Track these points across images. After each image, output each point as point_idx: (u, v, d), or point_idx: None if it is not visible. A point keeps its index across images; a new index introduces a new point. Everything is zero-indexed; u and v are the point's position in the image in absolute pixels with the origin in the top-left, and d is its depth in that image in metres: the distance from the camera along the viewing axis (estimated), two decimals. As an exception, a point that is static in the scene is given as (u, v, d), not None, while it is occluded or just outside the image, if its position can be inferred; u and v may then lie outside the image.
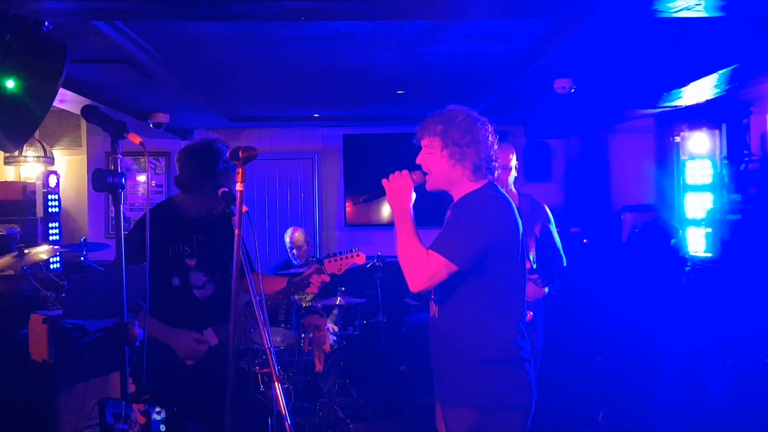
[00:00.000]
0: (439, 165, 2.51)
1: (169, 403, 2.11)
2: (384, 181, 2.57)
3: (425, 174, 2.56)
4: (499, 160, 3.49)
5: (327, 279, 3.14)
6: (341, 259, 3.20)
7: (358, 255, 3.22)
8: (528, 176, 7.02)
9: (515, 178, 3.89)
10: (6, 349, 4.14)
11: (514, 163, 3.84)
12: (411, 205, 2.54)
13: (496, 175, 2.57)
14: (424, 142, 2.56)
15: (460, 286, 2.45)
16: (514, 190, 3.89)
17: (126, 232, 2.72)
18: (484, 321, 2.44)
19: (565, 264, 3.85)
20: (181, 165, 2.98)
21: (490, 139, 2.52)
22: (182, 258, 2.98)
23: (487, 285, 2.44)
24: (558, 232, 3.94)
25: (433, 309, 2.59)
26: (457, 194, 2.57)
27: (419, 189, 2.58)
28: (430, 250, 2.41)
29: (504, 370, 2.44)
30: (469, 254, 2.38)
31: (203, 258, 3.03)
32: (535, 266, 3.74)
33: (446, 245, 2.40)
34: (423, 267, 2.39)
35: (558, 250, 3.87)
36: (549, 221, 3.89)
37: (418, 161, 2.57)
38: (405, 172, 2.55)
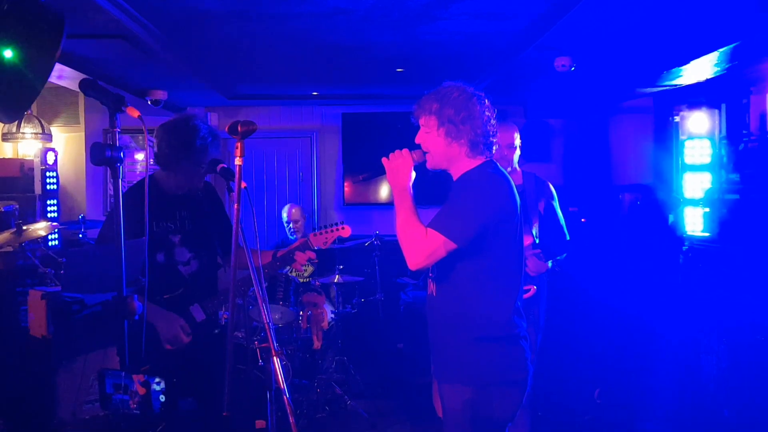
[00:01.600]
0: (437, 143, 2.51)
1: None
2: (384, 160, 2.57)
3: (425, 153, 2.55)
4: (503, 139, 3.52)
5: (313, 255, 3.14)
6: (326, 232, 3.23)
7: (343, 228, 3.24)
8: (527, 156, 6.99)
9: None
10: (5, 324, 4.15)
11: (518, 141, 3.85)
12: (410, 183, 2.53)
13: (494, 150, 2.56)
14: (421, 121, 2.55)
15: (458, 264, 2.45)
16: (518, 168, 3.91)
17: (110, 210, 2.74)
18: (481, 298, 2.45)
19: (568, 238, 3.90)
20: (158, 141, 2.96)
21: (486, 114, 2.49)
22: (167, 234, 2.98)
23: (485, 263, 2.45)
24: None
25: (431, 287, 2.60)
26: (455, 172, 2.56)
27: (419, 168, 2.58)
28: (429, 228, 2.42)
29: (500, 348, 2.45)
30: (468, 232, 2.39)
31: (187, 234, 3.04)
32: (537, 241, 3.77)
33: (445, 223, 2.40)
34: (422, 245, 2.40)
35: (562, 226, 3.93)
36: (553, 198, 3.94)
37: (416, 140, 2.57)
38: (405, 150, 2.55)
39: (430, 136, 2.52)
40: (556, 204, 3.95)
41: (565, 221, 3.98)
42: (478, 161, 2.52)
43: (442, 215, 2.44)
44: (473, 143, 2.48)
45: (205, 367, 2.96)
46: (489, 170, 2.51)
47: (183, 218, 3.04)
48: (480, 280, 2.45)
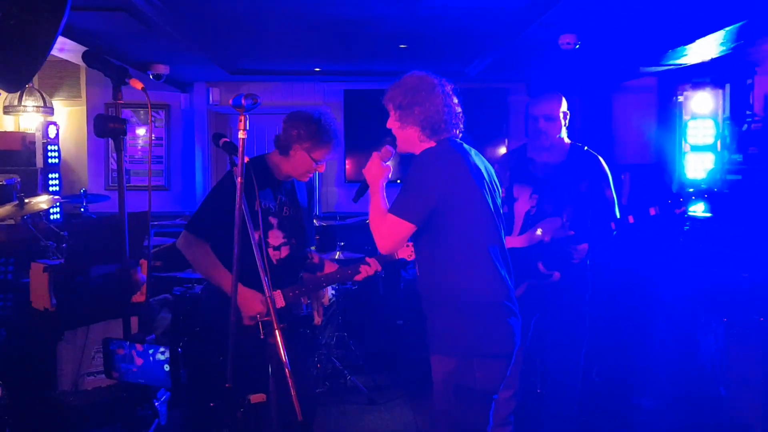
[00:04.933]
0: (395, 129, 2.67)
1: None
2: (364, 171, 2.70)
3: (392, 147, 2.69)
4: (539, 110, 3.50)
5: (376, 268, 3.25)
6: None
7: None
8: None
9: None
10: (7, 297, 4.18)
11: (561, 111, 3.55)
12: (383, 179, 2.66)
13: (458, 132, 2.64)
14: (388, 109, 2.69)
15: (426, 242, 2.55)
16: (567, 140, 3.64)
17: (211, 199, 2.87)
18: (453, 271, 2.51)
19: (618, 216, 3.56)
20: (288, 126, 3.05)
21: (440, 97, 2.58)
22: (266, 215, 3.04)
23: (449, 236, 2.51)
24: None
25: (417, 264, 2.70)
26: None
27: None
28: (388, 213, 2.53)
29: (482, 318, 2.48)
30: (421, 211, 2.47)
31: (283, 219, 3.11)
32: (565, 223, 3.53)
33: (399, 206, 2.51)
34: (386, 230, 2.53)
35: (609, 210, 3.57)
36: (602, 178, 3.58)
37: (387, 126, 2.71)
38: (374, 154, 2.69)
39: (390, 122, 2.67)
40: (607, 184, 3.57)
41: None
42: (432, 143, 2.61)
43: (396, 199, 2.54)
44: (423, 126, 2.58)
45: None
46: (438, 147, 2.57)
47: (282, 203, 3.12)
48: (449, 252, 2.51)
